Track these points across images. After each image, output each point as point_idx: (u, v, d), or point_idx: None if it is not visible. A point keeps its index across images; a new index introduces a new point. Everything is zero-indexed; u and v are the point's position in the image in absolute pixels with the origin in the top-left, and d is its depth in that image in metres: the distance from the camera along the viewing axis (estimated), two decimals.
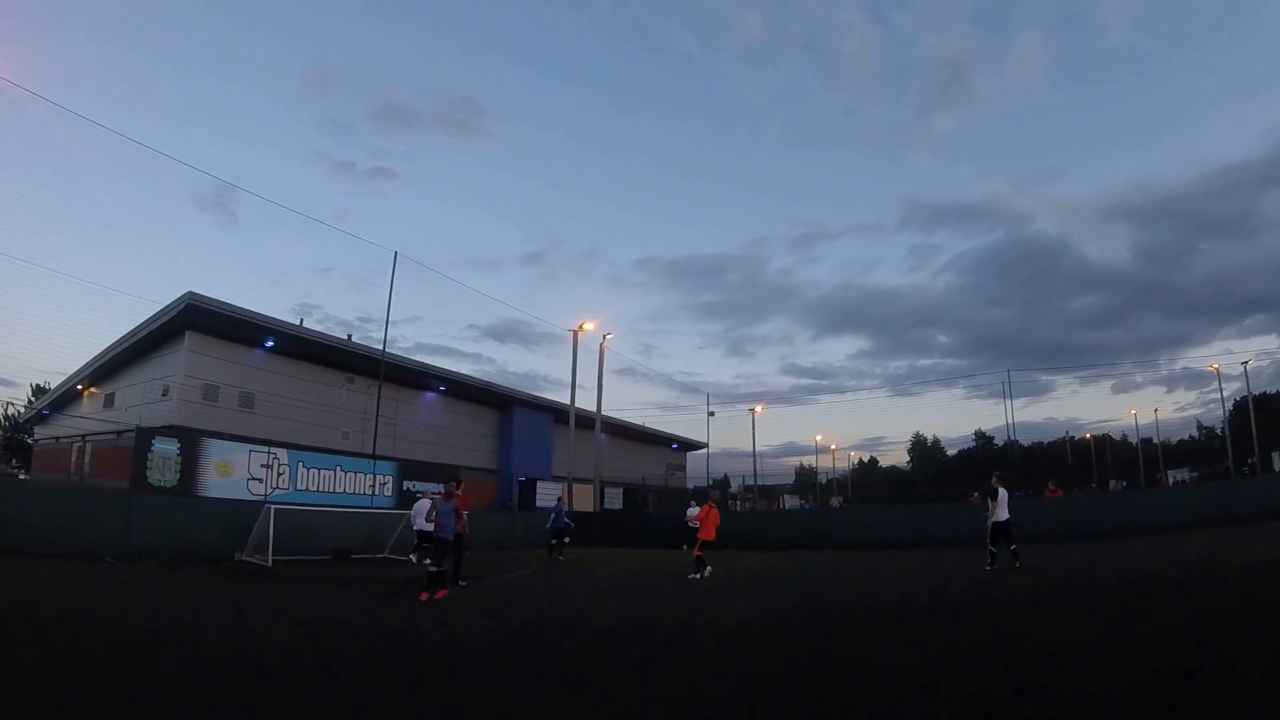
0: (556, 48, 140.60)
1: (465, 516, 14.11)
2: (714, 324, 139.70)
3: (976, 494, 27.66)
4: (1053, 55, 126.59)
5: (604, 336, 34.99)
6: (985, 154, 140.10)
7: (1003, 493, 15.27)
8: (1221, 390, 49.69)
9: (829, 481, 74.34)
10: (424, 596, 11.07)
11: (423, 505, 19.49)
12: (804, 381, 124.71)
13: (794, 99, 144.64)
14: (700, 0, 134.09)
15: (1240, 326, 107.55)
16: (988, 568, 14.62)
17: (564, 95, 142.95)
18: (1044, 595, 10.46)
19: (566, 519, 21.86)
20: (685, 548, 17.48)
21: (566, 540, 21.47)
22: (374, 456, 25.69)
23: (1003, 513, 15.04)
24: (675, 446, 60.21)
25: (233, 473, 20.44)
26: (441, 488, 16.17)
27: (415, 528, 18.91)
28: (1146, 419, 65.64)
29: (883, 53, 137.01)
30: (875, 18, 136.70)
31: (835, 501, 57.31)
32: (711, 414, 52.90)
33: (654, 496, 51.45)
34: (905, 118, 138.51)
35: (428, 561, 11.94)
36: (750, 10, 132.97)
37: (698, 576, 14.94)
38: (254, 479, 20.89)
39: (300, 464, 22.45)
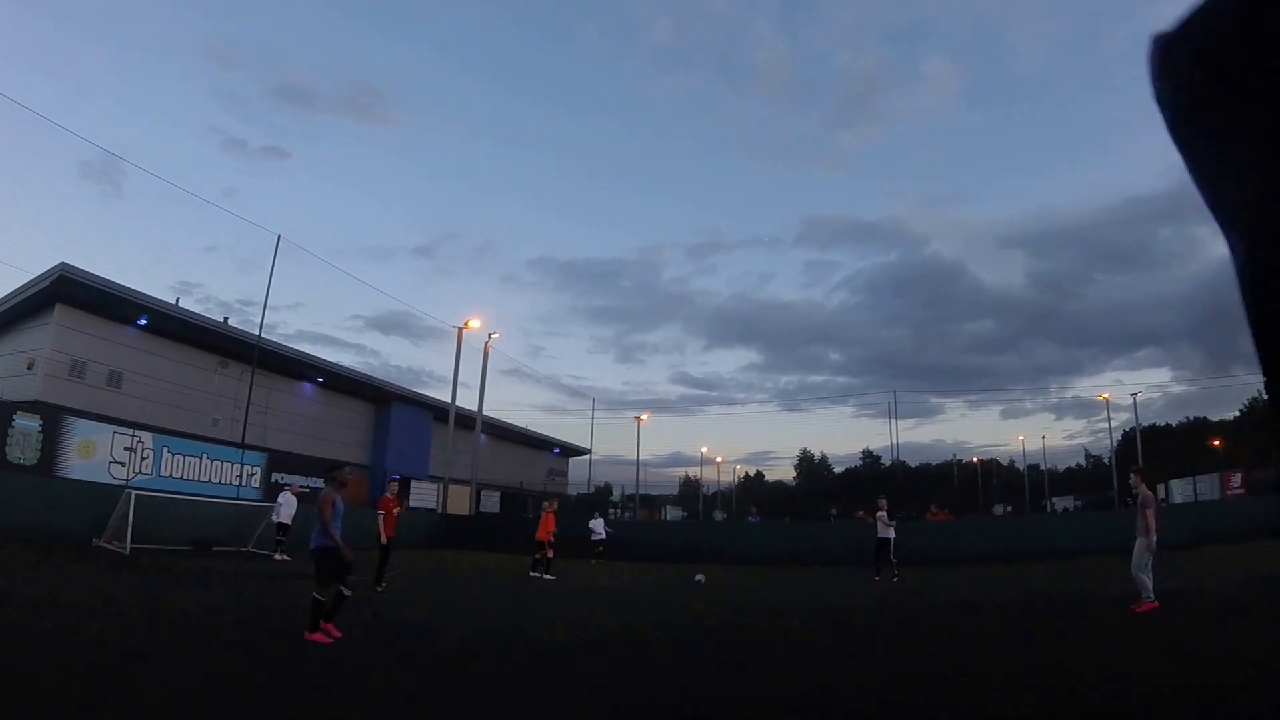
0: (464, 36, 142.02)
1: (395, 517, 14.45)
2: (605, 328, 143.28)
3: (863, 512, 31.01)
4: (962, 79, 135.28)
5: (489, 335, 36.41)
6: (888, 174, 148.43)
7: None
8: (1110, 420, 53.07)
9: (714, 494, 77.03)
10: (318, 636, 7.98)
11: (288, 498, 20.65)
12: (693, 391, 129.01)
13: (702, 107, 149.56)
14: (613, 1, 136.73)
15: (1131, 358, 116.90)
16: (888, 579, 17.58)
17: (468, 86, 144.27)
18: (920, 617, 11.32)
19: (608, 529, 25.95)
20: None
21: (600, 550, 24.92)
22: (243, 445, 26.39)
23: (886, 531, 18.46)
24: (557, 451, 61.80)
25: (94, 454, 20.99)
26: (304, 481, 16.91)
27: (276, 520, 20.15)
28: (1035, 445, 70.21)
29: (794, 67, 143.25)
30: (787, 31, 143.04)
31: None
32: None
33: (533, 501, 52.80)
34: (812, 132, 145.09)
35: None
36: (663, 15, 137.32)
37: (537, 575, 18.14)
38: (116, 462, 21.48)
39: (165, 449, 23.08)
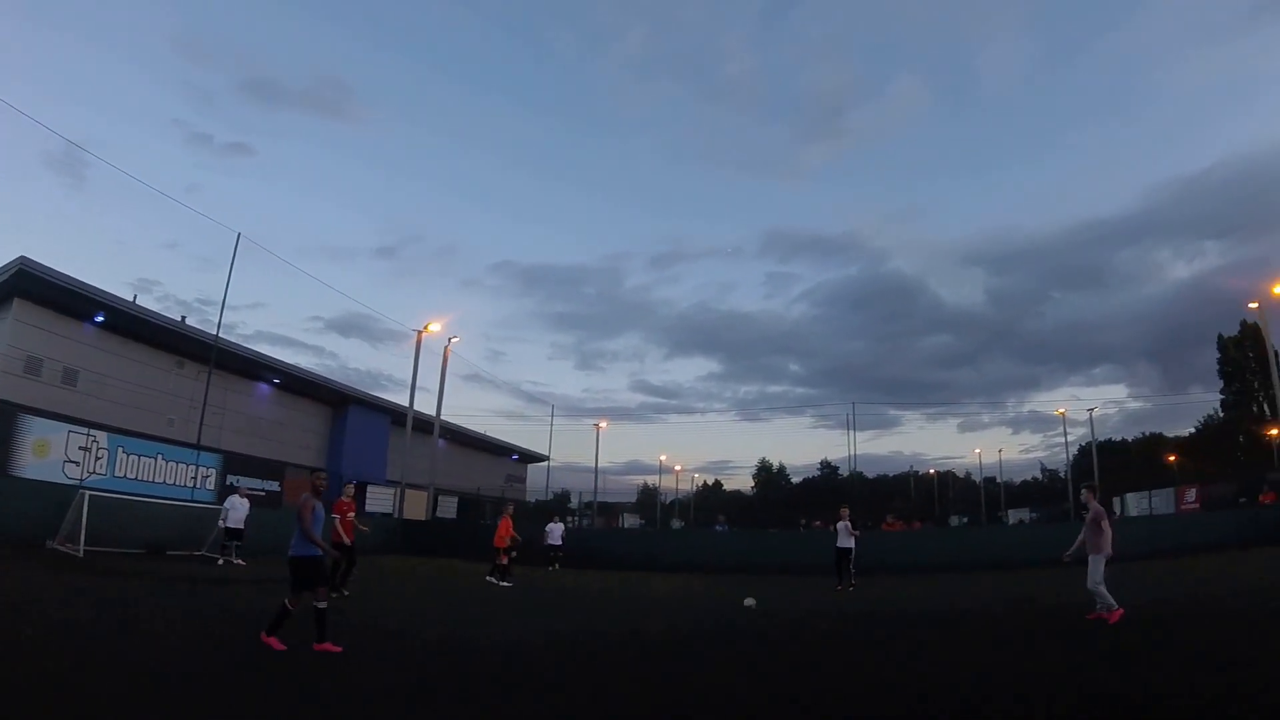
0: (435, 36, 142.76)
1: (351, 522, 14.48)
2: (566, 335, 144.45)
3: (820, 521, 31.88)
4: (930, 98, 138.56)
5: (450, 339, 36.79)
6: (853, 189, 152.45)
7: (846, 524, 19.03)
8: (1066, 434, 54.78)
9: (672, 502, 77.65)
10: (272, 640, 7.92)
11: (236, 501, 20.65)
12: (653, 400, 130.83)
13: (670, 116, 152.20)
14: (586, 7, 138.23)
15: (1088, 375, 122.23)
16: (847, 588, 17.99)
17: (436, 86, 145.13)
18: (895, 627, 11.65)
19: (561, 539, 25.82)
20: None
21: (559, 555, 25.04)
22: (198, 447, 26.43)
23: (847, 540, 18.71)
24: (515, 457, 62.12)
25: (49, 453, 20.95)
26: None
27: (225, 524, 20.04)
28: (991, 458, 71.58)
29: (763, 80, 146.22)
30: (759, 45, 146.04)
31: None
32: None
33: (491, 508, 52.92)
34: (778, 145, 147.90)
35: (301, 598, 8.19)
36: (636, 22, 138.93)
37: (493, 580, 18.47)
38: (71, 461, 21.43)
39: (120, 449, 23.03)
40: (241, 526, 20.05)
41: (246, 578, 16.39)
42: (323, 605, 8.11)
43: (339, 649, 8.01)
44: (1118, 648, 8.52)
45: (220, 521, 20.32)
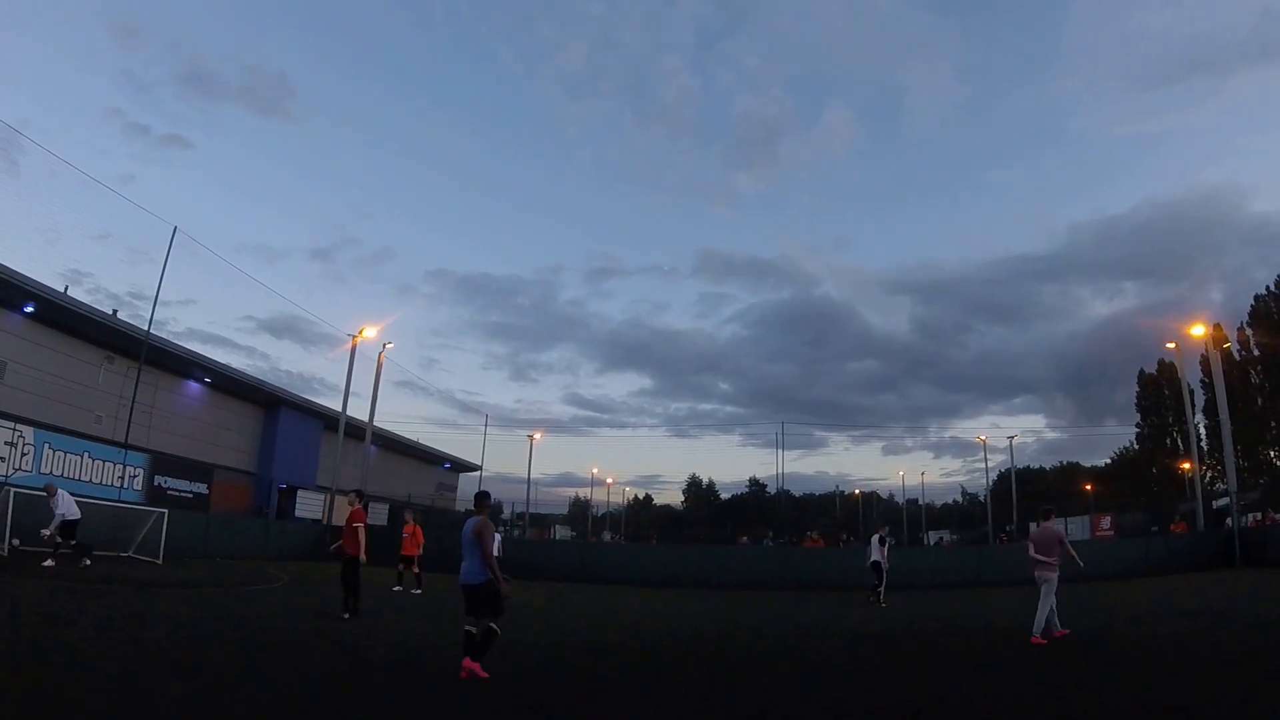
0: (378, 41, 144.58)
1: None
2: (500, 345, 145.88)
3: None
4: (859, 131, 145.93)
5: (384, 345, 37.10)
6: (784, 214, 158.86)
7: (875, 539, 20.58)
8: (986, 460, 57.28)
9: (603, 515, 78.49)
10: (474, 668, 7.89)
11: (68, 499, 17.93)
12: (585, 413, 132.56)
13: (607, 134, 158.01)
14: (528, 21, 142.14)
15: (1008, 404, 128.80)
16: (870, 600, 19.26)
17: (377, 91, 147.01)
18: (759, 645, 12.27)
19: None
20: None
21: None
22: (125, 445, 26.30)
23: (875, 554, 19.94)
24: (447, 466, 62.18)
25: None
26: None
27: (66, 517, 17.65)
28: (914, 481, 74.63)
29: (699, 104, 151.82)
30: (696, 69, 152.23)
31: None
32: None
33: (422, 516, 52.69)
34: (711, 169, 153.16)
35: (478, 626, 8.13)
36: (576, 39, 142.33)
37: (401, 589, 19.06)
38: None
39: (47, 445, 22.93)
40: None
41: (173, 581, 16.64)
42: (495, 627, 8.07)
43: (486, 675, 7.87)
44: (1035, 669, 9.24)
45: (66, 514, 17.72)
